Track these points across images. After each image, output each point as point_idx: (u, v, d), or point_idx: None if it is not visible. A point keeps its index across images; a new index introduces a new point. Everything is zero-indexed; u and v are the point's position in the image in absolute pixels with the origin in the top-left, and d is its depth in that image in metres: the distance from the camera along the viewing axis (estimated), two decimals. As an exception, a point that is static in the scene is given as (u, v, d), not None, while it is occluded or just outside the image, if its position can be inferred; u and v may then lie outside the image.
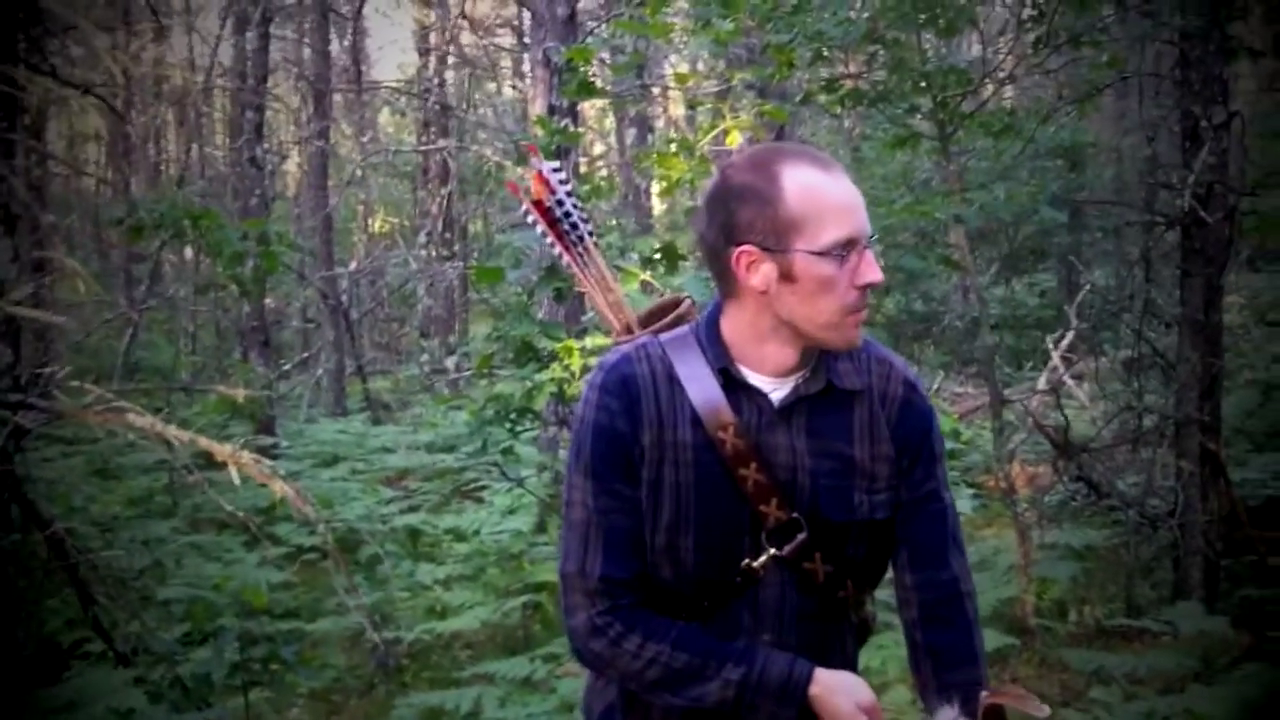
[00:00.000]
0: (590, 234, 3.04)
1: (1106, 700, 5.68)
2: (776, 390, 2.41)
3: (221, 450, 4.97)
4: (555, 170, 2.98)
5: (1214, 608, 7.72)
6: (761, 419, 2.40)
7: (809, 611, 2.48)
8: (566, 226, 3.00)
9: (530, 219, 3.01)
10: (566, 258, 3.04)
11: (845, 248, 2.28)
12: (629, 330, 2.88)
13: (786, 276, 2.31)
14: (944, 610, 2.49)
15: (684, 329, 2.50)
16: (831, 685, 2.37)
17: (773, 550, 2.41)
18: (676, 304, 2.81)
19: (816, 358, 2.43)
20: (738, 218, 2.32)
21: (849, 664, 2.59)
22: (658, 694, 2.42)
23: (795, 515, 2.41)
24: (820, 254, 2.28)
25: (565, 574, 2.44)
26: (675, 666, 2.37)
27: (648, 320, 2.83)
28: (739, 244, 2.32)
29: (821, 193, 2.29)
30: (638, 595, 2.41)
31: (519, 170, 7.87)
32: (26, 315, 6.74)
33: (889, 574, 2.57)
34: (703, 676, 2.37)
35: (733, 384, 2.40)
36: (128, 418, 4.90)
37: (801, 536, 2.41)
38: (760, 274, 2.32)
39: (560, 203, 2.99)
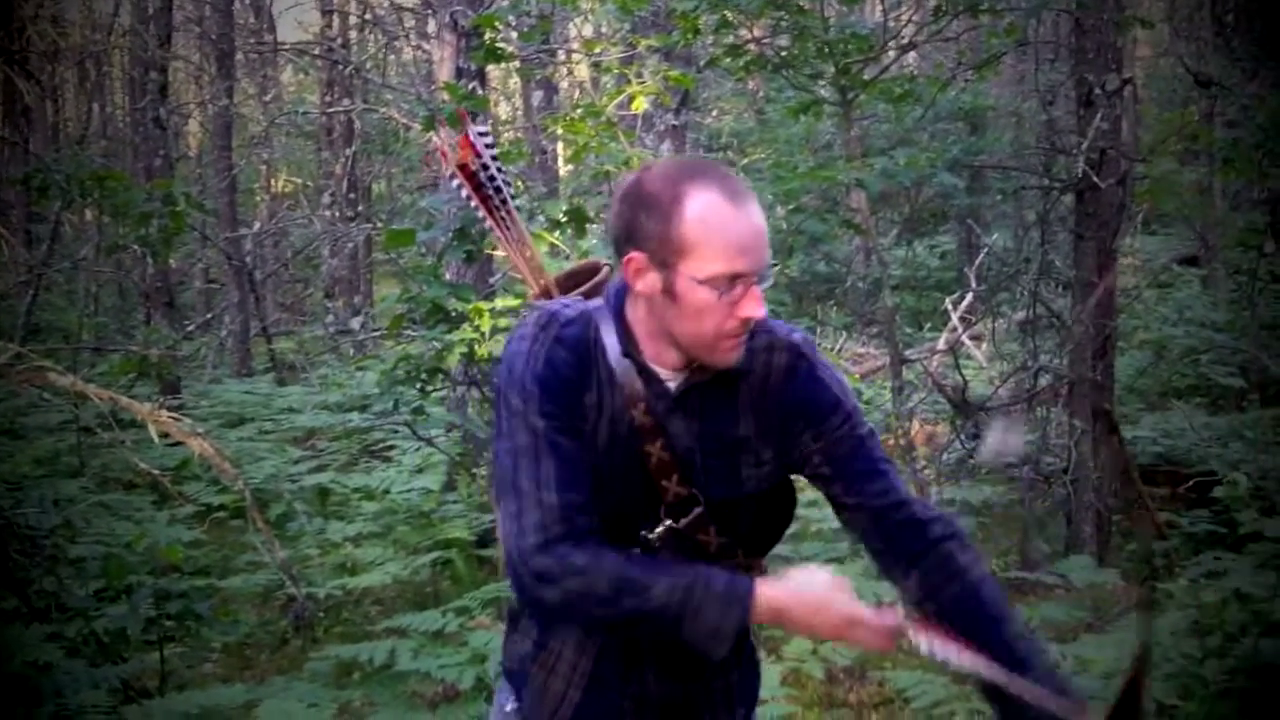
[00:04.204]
0: (512, 197, 3.08)
1: (1000, 648, 5.83)
2: (672, 380, 2.48)
3: (141, 409, 5.03)
4: (482, 135, 3.01)
5: (1105, 561, 7.98)
6: (661, 404, 2.47)
7: None
8: (490, 190, 3.04)
9: (455, 183, 3.05)
10: (490, 221, 3.08)
11: (729, 281, 2.33)
12: (547, 293, 2.91)
13: (669, 292, 2.36)
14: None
15: (602, 302, 2.54)
16: (789, 580, 2.40)
17: (669, 523, 2.50)
18: (596, 269, 2.87)
19: None
20: (637, 224, 2.37)
21: None
22: (599, 608, 2.38)
23: (693, 491, 2.50)
24: (701, 282, 2.32)
25: (519, 489, 2.41)
26: (622, 574, 2.35)
27: (566, 283, 2.88)
28: (633, 249, 2.38)
29: (718, 224, 2.32)
30: (591, 520, 2.41)
31: (429, 135, 7.92)
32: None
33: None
34: (647, 582, 2.35)
35: (638, 367, 2.47)
36: (49, 377, 4.95)
37: (697, 511, 2.50)
38: (645, 281, 2.38)
39: (485, 167, 3.02)
